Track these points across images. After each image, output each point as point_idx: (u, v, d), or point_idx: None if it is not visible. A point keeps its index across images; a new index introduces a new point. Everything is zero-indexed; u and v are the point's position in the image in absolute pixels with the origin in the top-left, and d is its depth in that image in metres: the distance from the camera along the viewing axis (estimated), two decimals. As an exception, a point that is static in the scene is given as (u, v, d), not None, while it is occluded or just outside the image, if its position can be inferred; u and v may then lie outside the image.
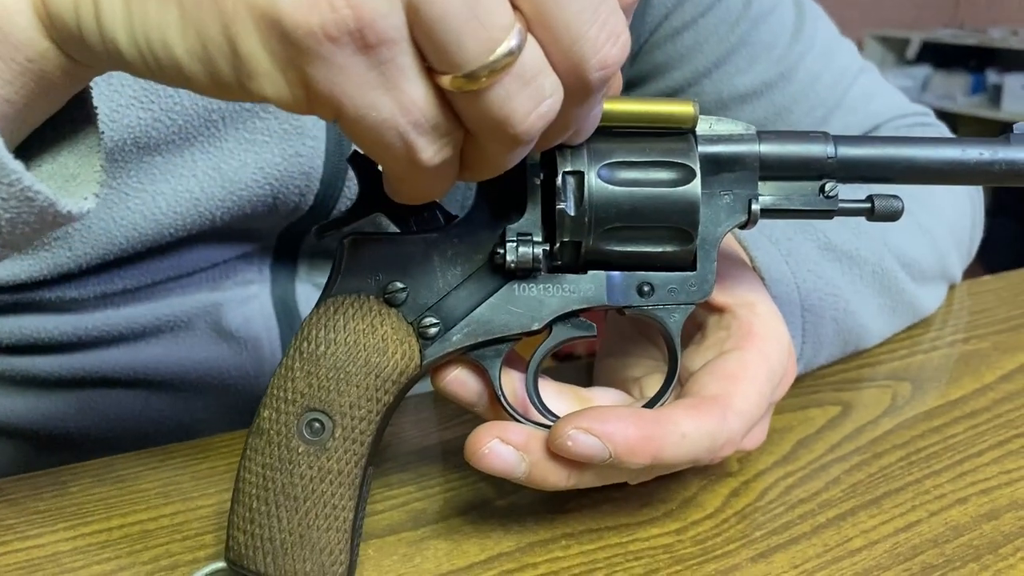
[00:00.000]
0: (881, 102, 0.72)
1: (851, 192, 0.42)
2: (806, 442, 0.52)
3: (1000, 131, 0.43)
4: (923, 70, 3.80)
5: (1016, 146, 0.40)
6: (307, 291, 0.63)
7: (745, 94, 0.68)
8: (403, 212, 0.39)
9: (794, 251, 0.54)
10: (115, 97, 0.49)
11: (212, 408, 0.62)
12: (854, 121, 0.71)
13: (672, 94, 0.69)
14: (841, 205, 0.40)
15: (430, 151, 0.30)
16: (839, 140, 0.40)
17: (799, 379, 0.57)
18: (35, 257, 0.53)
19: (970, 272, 0.77)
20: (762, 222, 0.54)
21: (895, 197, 0.41)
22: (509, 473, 0.38)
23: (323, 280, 0.62)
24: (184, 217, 0.53)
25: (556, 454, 0.38)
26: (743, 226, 0.40)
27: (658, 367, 0.47)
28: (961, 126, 3.35)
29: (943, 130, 0.76)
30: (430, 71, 0.29)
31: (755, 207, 0.40)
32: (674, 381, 0.41)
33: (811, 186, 0.40)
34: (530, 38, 0.29)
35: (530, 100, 0.29)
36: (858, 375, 0.60)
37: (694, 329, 0.46)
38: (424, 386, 0.62)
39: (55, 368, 0.58)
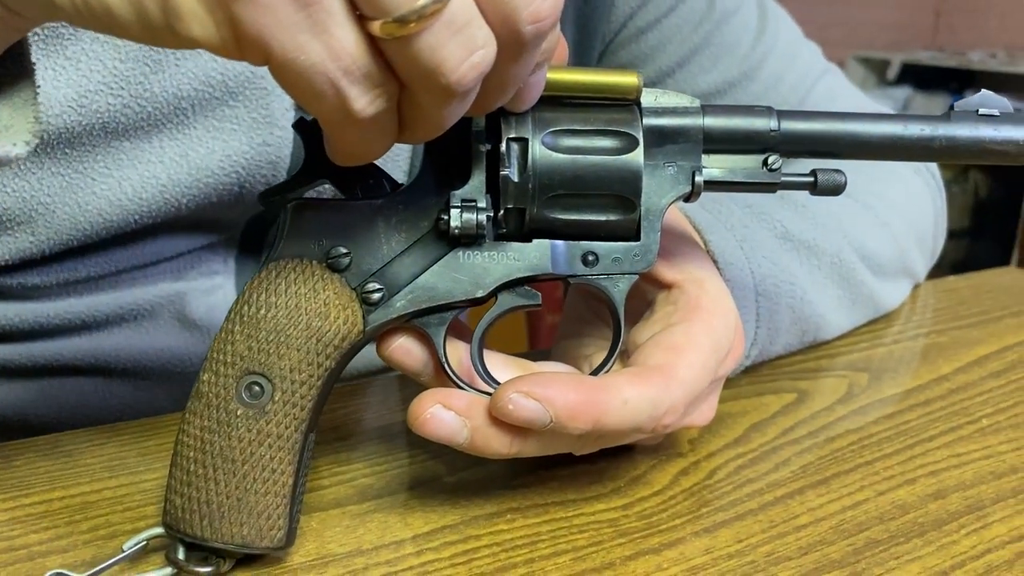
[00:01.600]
0: (843, 103, 0.73)
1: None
2: (759, 426, 0.52)
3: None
4: (904, 91, 3.83)
5: (955, 123, 0.41)
6: None
7: (709, 93, 0.68)
8: (349, 179, 0.39)
9: (750, 237, 0.54)
10: (84, 83, 0.49)
11: (175, 397, 0.62)
12: None
13: None
14: (784, 178, 0.41)
15: (363, 101, 0.30)
16: (783, 114, 0.40)
17: (757, 367, 0.57)
18: None
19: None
20: (719, 211, 0.55)
21: (838, 171, 0.41)
22: (451, 439, 0.38)
23: None
24: (149, 204, 0.53)
25: (498, 420, 0.38)
26: (687, 198, 0.41)
27: (609, 345, 0.47)
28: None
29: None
30: (361, 18, 0.29)
31: (699, 179, 0.40)
32: (618, 349, 0.41)
33: (755, 159, 0.41)
34: None
35: (461, 49, 0.29)
36: (816, 365, 0.60)
37: (644, 306, 0.46)
38: (369, 364, 0.62)
39: (15, 356, 0.57)
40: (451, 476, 0.46)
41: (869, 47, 3.95)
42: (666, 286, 0.45)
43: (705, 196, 0.43)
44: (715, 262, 0.50)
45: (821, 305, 0.59)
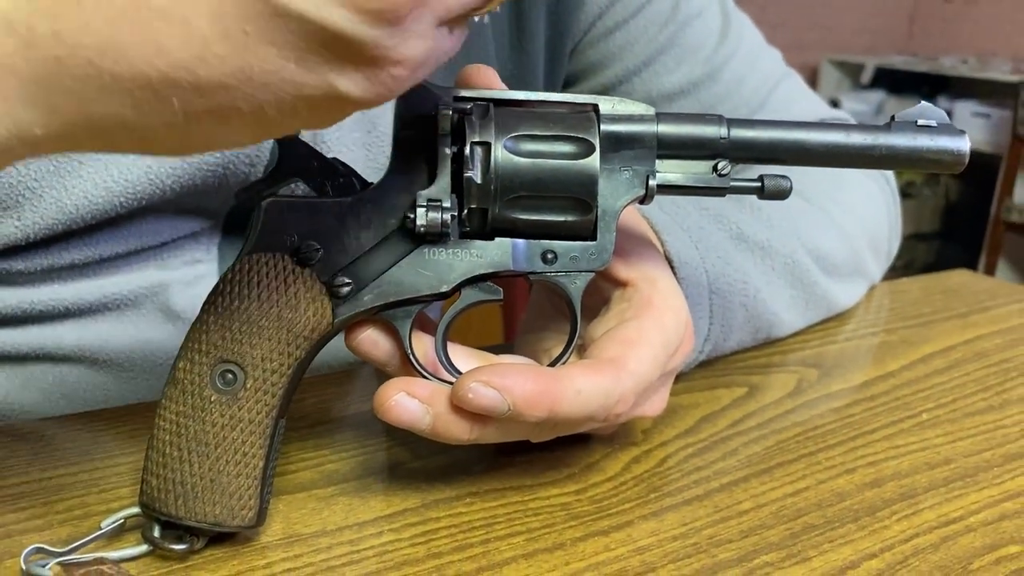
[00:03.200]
0: (802, 106, 0.76)
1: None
2: (710, 418, 0.54)
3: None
4: (877, 95, 3.89)
5: (896, 133, 0.43)
6: None
7: (673, 93, 0.71)
8: (320, 178, 0.41)
9: (704, 238, 0.57)
10: None
11: (158, 389, 0.62)
12: None
13: (604, 91, 0.72)
14: (733, 183, 0.43)
15: None
16: (732, 123, 0.43)
17: (711, 362, 0.60)
18: None
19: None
20: (676, 213, 0.57)
21: (784, 177, 0.44)
22: (414, 425, 0.40)
23: None
24: (135, 185, 0.54)
25: (459, 407, 0.40)
26: (641, 200, 0.43)
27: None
28: (912, 150, 3.43)
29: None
30: None
31: (652, 183, 0.42)
32: (574, 342, 0.43)
33: (706, 165, 0.43)
34: None
35: None
36: (768, 361, 0.63)
37: (601, 302, 0.48)
38: (347, 358, 0.64)
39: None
40: (414, 462, 0.48)
41: (844, 51, 4.00)
42: (621, 284, 0.47)
43: (664, 198, 0.45)
44: (670, 262, 0.52)
45: (774, 304, 0.61)
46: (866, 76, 3.90)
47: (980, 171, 3.32)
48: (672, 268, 0.52)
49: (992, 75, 3.47)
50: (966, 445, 0.52)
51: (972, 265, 3.50)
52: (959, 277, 0.86)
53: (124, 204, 0.54)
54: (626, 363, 0.42)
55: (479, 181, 0.40)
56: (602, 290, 0.48)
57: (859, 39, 4.08)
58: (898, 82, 3.86)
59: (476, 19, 0.63)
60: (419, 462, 0.48)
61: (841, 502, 0.46)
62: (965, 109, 3.56)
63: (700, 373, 0.59)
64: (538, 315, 0.51)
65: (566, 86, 0.74)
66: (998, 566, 0.41)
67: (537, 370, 0.41)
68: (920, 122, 0.44)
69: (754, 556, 0.41)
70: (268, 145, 0.57)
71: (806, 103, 0.75)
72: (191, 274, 0.61)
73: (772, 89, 0.72)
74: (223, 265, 0.62)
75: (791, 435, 0.53)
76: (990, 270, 3.39)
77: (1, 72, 0.29)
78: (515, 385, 0.40)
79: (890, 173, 0.78)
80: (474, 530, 0.42)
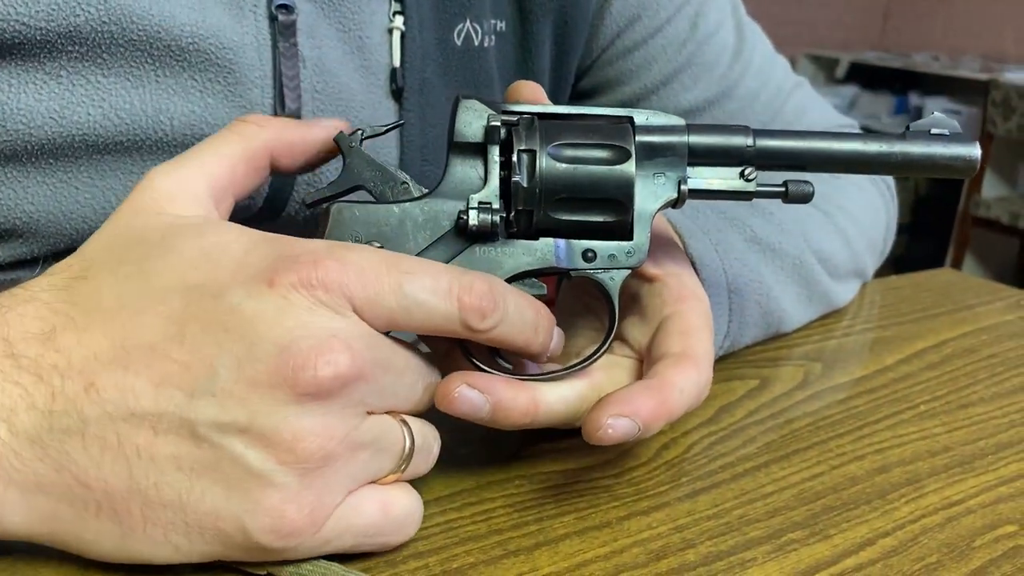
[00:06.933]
0: (812, 116, 0.79)
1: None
2: (727, 408, 0.58)
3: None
4: (851, 90, 3.97)
5: (910, 141, 0.47)
6: None
7: (689, 110, 0.74)
8: (380, 185, 0.45)
9: (723, 241, 0.61)
10: (65, 95, 0.51)
11: None
12: None
13: (621, 107, 0.74)
14: (759, 188, 0.47)
15: None
16: (758, 133, 0.47)
17: (724, 356, 0.64)
18: None
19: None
20: (697, 217, 0.61)
21: (806, 182, 0.47)
22: (475, 413, 0.44)
23: None
24: None
25: (514, 396, 0.43)
26: (674, 204, 0.47)
27: (599, 338, 0.52)
28: (884, 145, 3.51)
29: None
30: None
31: (684, 188, 0.46)
32: (613, 332, 0.47)
33: (733, 171, 0.47)
34: None
35: None
36: (776, 355, 0.67)
37: (630, 299, 0.52)
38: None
39: None
40: (461, 449, 0.51)
41: (820, 46, 4.07)
42: (649, 279, 0.51)
43: (686, 204, 0.49)
44: (693, 263, 0.56)
45: (784, 301, 0.65)
46: (840, 71, 3.98)
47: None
48: (695, 269, 0.56)
49: (962, 73, 3.55)
50: (962, 434, 0.57)
51: (940, 258, 3.59)
52: (944, 276, 0.91)
53: None
54: (696, 351, 0.46)
55: (525, 185, 0.44)
56: (631, 286, 0.52)
57: (834, 34, 4.15)
58: (871, 77, 3.95)
59: (476, 43, 0.65)
60: (467, 448, 0.51)
61: (854, 486, 0.50)
62: (936, 106, 3.65)
63: (715, 367, 0.62)
64: (567, 314, 0.55)
65: (578, 100, 0.76)
66: (997, 543, 0.46)
67: (647, 386, 0.44)
68: (934, 131, 0.48)
69: (781, 534, 0.45)
70: (268, 181, 0.57)
71: (818, 112, 0.79)
72: None
73: (784, 102, 0.76)
74: None
75: (803, 424, 0.57)
76: (957, 263, 3.49)
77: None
78: (640, 408, 0.43)
79: (890, 179, 0.82)
80: (528, 509, 0.46)
